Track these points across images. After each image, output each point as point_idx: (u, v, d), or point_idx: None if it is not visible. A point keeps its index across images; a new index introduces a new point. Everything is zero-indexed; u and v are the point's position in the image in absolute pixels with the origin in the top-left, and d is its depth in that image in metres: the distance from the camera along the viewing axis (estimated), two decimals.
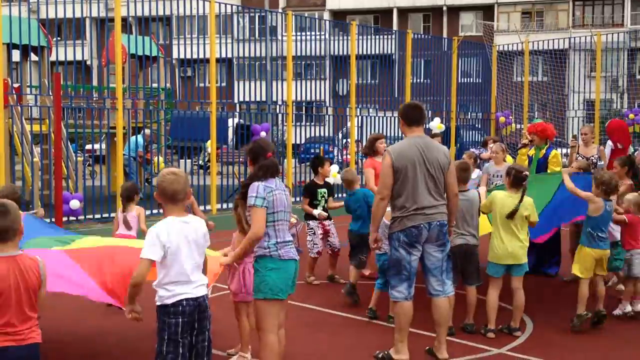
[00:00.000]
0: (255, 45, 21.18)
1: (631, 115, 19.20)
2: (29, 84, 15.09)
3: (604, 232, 6.42)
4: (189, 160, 17.10)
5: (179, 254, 3.99)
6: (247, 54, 21.79)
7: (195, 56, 15.43)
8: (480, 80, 21.48)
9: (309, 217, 8.43)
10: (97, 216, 12.54)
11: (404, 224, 5.38)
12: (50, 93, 13.16)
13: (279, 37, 19.64)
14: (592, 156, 9.46)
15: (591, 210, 6.39)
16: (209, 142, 14.53)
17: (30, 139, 13.51)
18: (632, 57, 32.07)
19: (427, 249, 5.45)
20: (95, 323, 6.68)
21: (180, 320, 3.96)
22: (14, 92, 13.08)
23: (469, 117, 21.09)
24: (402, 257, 5.41)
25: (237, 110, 18.23)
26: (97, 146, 19.88)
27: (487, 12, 42.03)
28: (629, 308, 6.82)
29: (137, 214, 7.26)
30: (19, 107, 13.09)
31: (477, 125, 21.32)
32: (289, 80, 15.86)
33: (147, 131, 15.03)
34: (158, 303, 4.04)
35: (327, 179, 8.75)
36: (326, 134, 19.85)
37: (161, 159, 15.60)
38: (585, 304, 6.36)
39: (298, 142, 18.33)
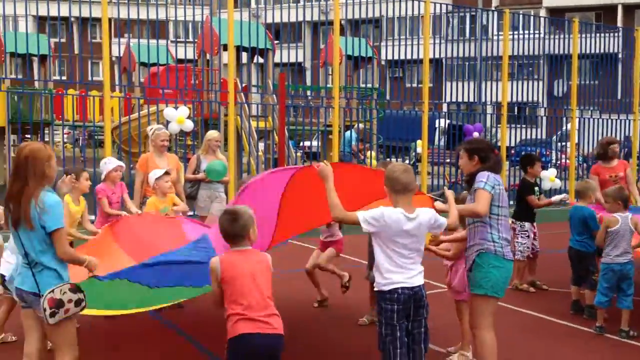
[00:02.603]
0: (465, 45, 20.86)
1: None
2: (254, 84, 16.26)
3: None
4: (399, 160, 17.32)
5: (396, 244, 4.06)
6: (456, 54, 21.56)
7: (404, 57, 15.60)
8: None
9: (525, 217, 8.10)
10: None
11: None
12: (274, 92, 14.11)
13: (490, 36, 19.18)
14: None
15: None
16: (418, 141, 14.65)
17: (255, 135, 14.54)
18: None
19: None
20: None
21: (396, 307, 4.06)
22: (242, 92, 14.17)
23: None
24: None
25: (445, 110, 18.13)
26: (308, 143, 20.87)
27: None
28: None
29: None
30: (246, 105, 14.17)
31: None
32: (504, 81, 15.46)
33: (361, 125, 15.49)
34: (376, 289, 4.19)
35: (542, 181, 8.40)
36: (540, 137, 19.04)
37: (373, 153, 15.97)
38: None
39: (510, 144, 17.79)
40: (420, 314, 4.15)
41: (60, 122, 16.11)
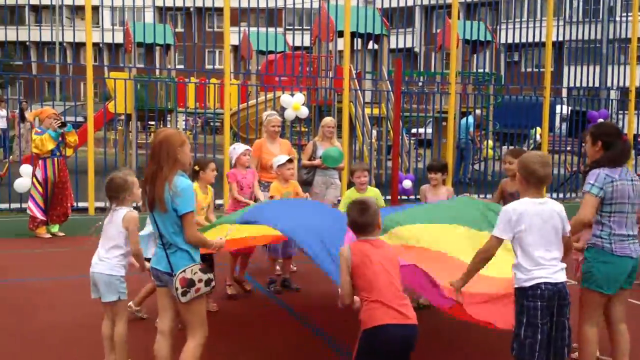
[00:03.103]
0: (589, 27, 19.82)
1: None
2: (368, 71, 16.23)
3: None
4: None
5: (532, 235, 3.90)
6: (579, 37, 20.52)
7: (525, 40, 15.05)
8: None
9: None
10: None
11: None
12: (387, 79, 14.02)
13: (617, 18, 18.20)
14: None
15: None
16: (537, 128, 14.13)
17: (368, 122, 14.53)
18: None
19: None
20: None
21: (539, 303, 3.87)
22: (356, 78, 14.18)
23: None
24: None
25: (565, 95, 17.38)
26: (421, 130, 20.64)
27: None
28: None
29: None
30: (359, 92, 14.18)
31: None
32: (633, 65, 14.63)
33: (478, 111, 15.13)
34: (516, 285, 4.00)
35: None
36: None
37: (490, 142, 15.58)
38: None
39: (638, 132, 16.77)
40: (564, 313, 3.94)
41: (182, 109, 16.81)
